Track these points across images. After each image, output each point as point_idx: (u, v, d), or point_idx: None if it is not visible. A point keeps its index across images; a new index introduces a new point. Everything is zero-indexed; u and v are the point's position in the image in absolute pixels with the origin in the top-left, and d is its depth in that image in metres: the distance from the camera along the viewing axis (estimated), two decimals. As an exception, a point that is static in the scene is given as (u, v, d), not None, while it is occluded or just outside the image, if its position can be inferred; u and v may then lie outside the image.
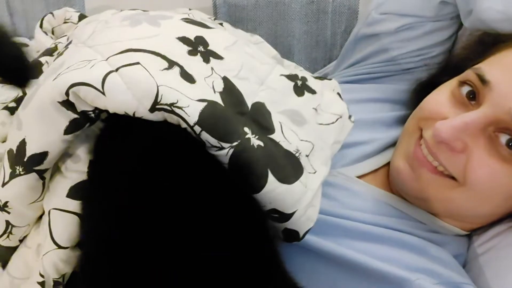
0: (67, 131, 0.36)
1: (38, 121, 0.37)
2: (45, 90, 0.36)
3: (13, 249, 0.45)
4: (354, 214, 0.50)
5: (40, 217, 0.44)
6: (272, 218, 0.39)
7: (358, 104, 0.64)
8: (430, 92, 0.56)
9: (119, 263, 0.34)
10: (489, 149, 0.47)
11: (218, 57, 0.41)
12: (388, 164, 0.57)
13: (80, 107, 0.36)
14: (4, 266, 0.46)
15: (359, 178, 0.56)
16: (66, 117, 0.36)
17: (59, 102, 0.35)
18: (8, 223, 0.42)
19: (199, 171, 0.34)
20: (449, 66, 0.63)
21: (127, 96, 0.33)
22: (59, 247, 0.40)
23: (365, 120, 0.61)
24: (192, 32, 0.43)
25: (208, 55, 0.41)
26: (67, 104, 0.35)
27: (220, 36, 0.44)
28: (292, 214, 0.38)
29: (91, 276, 0.36)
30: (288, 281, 0.36)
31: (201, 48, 0.41)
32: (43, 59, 0.51)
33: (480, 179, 0.47)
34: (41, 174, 0.39)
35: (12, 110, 0.57)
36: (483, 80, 0.48)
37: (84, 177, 0.39)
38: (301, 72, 0.50)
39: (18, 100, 0.57)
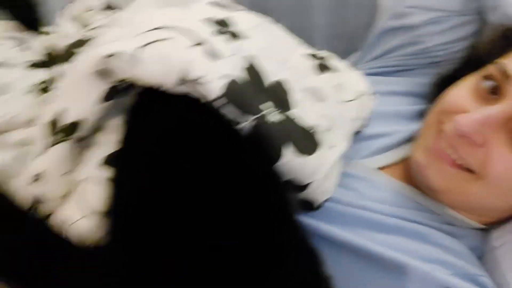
0: (102, 100, 0.39)
1: (76, 90, 0.39)
2: (82, 61, 0.38)
3: None
4: (372, 204, 0.51)
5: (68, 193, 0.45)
6: (289, 188, 0.41)
7: (381, 97, 0.64)
8: (451, 86, 0.56)
9: (137, 245, 0.35)
10: (509, 144, 0.47)
11: (243, 36, 0.43)
12: (408, 157, 0.57)
13: (114, 77, 0.38)
14: None
15: (379, 169, 0.57)
16: (101, 86, 0.38)
17: (95, 72, 0.37)
18: (36, 198, 0.44)
19: (219, 145, 0.36)
20: (472, 61, 0.63)
21: (157, 69, 0.35)
22: (89, 215, 0.42)
23: (386, 112, 0.61)
24: (218, 13, 0.45)
25: (233, 35, 0.43)
26: (102, 74, 0.38)
27: (244, 18, 0.46)
28: (307, 185, 0.40)
29: (112, 247, 0.38)
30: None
31: (226, 28, 0.43)
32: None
33: (499, 173, 0.47)
34: (77, 142, 0.41)
35: (40, 92, 0.59)
36: (506, 75, 0.48)
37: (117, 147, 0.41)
38: (323, 53, 0.51)
39: (45, 83, 0.59)
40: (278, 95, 0.41)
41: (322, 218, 0.49)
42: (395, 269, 0.46)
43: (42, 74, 0.58)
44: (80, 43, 0.53)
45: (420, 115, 0.61)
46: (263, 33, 0.46)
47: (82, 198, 0.42)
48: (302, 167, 0.39)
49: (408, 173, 0.56)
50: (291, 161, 0.39)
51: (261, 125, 0.37)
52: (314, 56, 0.49)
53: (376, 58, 0.72)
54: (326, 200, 0.45)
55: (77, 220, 0.41)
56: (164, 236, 0.34)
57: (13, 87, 0.60)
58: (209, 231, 0.34)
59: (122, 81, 0.38)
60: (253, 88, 0.39)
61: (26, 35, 0.69)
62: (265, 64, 0.42)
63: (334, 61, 0.50)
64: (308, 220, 0.47)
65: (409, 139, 0.59)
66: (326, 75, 0.48)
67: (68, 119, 0.40)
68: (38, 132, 0.43)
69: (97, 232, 0.41)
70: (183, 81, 0.36)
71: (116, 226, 0.37)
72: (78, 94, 0.39)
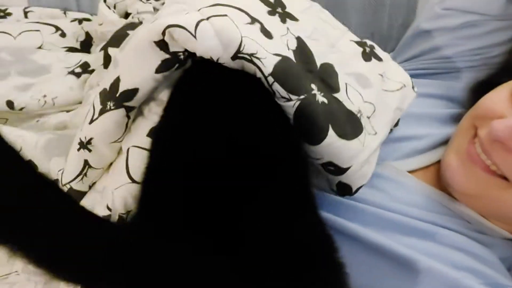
0: (158, 70, 0.40)
1: (134, 60, 0.41)
2: (143, 31, 0.40)
3: (82, 195, 0.48)
4: (402, 208, 0.51)
5: (110, 165, 0.48)
6: (328, 171, 0.42)
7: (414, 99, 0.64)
8: (488, 92, 0.56)
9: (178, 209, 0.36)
10: None
11: (293, 18, 0.45)
12: (439, 161, 0.57)
13: (172, 48, 0.39)
14: None
15: (410, 173, 0.56)
16: (159, 56, 0.39)
17: (154, 42, 0.39)
18: (86, 162, 0.46)
19: (266, 116, 0.38)
20: (510, 66, 0.62)
21: (215, 42, 0.36)
22: (133, 181, 0.43)
23: (419, 114, 0.61)
24: None
25: (285, 16, 0.44)
26: (161, 44, 0.39)
27: (296, 1, 0.48)
28: (347, 169, 0.41)
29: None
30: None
31: (279, 10, 0.44)
32: (130, 32, 0.54)
33: None
34: (128, 111, 0.43)
35: (78, 75, 0.59)
36: None
37: None
38: (368, 41, 0.53)
39: (83, 65, 0.60)
40: (326, 77, 0.42)
41: (351, 217, 0.49)
42: (425, 275, 0.45)
43: (80, 57, 0.59)
44: (133, 26, 0.55)
45: (454, 119, 0.61)
46: (312, 16, 0.47)
47: (124, 167, 0.43)
48: (343, 150, 0.40)
49: (439, 177, 0.55)
50: (334, 143, 0.39)
51: (308, 105, 0.38)
52: (359, 43, 0.50)
53: (409, 59, 0.72)
54: (360, 187, 0.45)
55: (120, 186, 0.43)
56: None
57: (54, 68, 0.62)
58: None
59: (180, 53, 0.40)
60: (302, 68, 0.40)
61: (64, 22, 0.70)
62: (313, 46, 0.43)
63: (378, 50, 0.51)
64: (336, 218, 0.48)
65: (442, 143, 0.58)
66: (371, 63, 0.49)
67: (122, 87, 0.42)
68: (91, 99, 0.44)
69: (135, 201, 0.43)
70: (238, 55, 0.37)
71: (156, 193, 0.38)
72: (135, 63, 0.41)
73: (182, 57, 0.40)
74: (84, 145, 0.45)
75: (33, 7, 0.75)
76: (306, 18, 0.46)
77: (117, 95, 0.42)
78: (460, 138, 0.53)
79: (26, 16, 0.74)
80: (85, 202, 0.48)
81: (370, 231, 0.48)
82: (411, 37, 0.72)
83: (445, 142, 0.58)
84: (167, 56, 0.39)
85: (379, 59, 0.50)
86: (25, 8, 0.74)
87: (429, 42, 0.69)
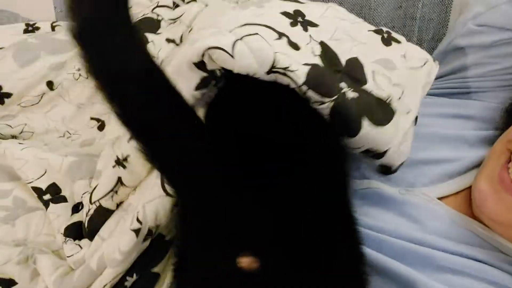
0: (197, 87, 0.44)
1: (174, 80, 0.43)
2: (183, 53, 0.43)
3: (109, 214, 0.50)
4: (436, 241, 0.49)
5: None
6: (369, 156, 0.45)
7: (442, 119, 0.62)
8: None
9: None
10: None
11: (314, 25, 0.47)
12: (470, 187, 0.54)
13: (210, 67, 0.42)
14: (91, 237, 0.49)
15: (440, 199, 0.54)
16: (198, 75, 0.43)
17: (194, 63, 0.42)
18: (119, 180, 0.48)
19: (306, 120, 0.41)
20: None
21: (251, 61, 0.40)
22: (167, 194, 0.45)
23: (450, 136, 0.59)
24: (291, 7, 0.48)
25: (306, 24, 0.47)
26: (200, 65, 0.42)
27: (314, 7, 0.50)
28: (386, 152, 0.44)
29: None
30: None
31: (299, 19, 0.47)
32: (149, 37, 0.56)
33: None
34: None
35: None
36: None
37: None
38: (384, 28, 0.54)
39: None
40: (353, 72, 0.45)
41: (383, 251, 0.48)
42: None
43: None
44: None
45: (485, 141, 0.58)
46: (331, 18, 0.50)
47: (159, 181, 0.45)
48: (379, 136, 0.43)
49: (470, 204, 0.52)
50: (369, 132, 0.42)
51: (340, 103, 0.41)
52: (377, 31, 0.52)
53: (440, 77, 0.69)
54: (401, 164, 0.47)
55: (153, 200, 0.45)
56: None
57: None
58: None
59: (216, 70, 0.43)
60: (330, 71, 0.43)
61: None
62: (337, 46, 0.46)
63: (395, 34, 0.53)
64: (369, 252, 0.47)
65: (472, 167, 0.55)
66: (391, 47, 0.51)
67: None
68: None
69: (165, 216, 0.46)
70: (273, 70, 0.40)
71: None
72: (175, 83, 0.43)
73: (219, 74, 0.44)
74: (120, 162, 0.47)
75: (60, 22, 0.77)
76: (325, 21, 0.48)
77: None
78: (493, 163, 0.50)
79: (53, 30, 0.76)
80: (111, 221, 0.49)
81: (402, 264, 0.46)
82: (443, 53, 0.70)
83: (475, 166, 0.55)
84: (205, 74, 0.43)
85: (398, 42, 0.52)
86: (53, 22, 0.76)
87: (461, 59, 0.67)
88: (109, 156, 0.50)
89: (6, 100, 0.62)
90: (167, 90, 0.39)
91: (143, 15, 0.61)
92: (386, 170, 0.48)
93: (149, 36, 0.56)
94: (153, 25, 0.58)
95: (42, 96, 0.63)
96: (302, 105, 0.41)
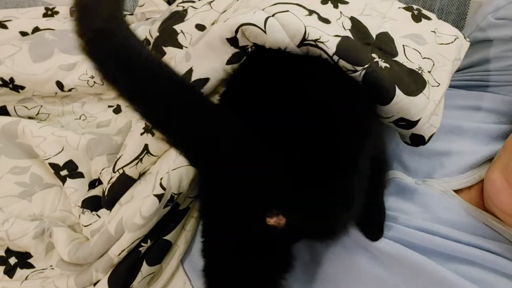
0: (229, 62, 0.46)
1: (207, 53, 0.47)
2: (216, 29, 0.45)
3: (131, 182, 0.50)
4: (449, 231, 0.49)
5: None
6: (400, 126, 0.46)
7: (462, 111, 0.61)
8: None
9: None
10: None
11: (344, 2, 0.49)
12: (483, 180, 0.54)
13: (242, 43, 0.44)
14: (110, 206, 0.49)
15: (455, 191, 0.54)
16: (230, 50, 0.45)
17: (227, 38, 0.44)
18: (145, 147, 0.49)
19: (339, 84, 0.42)
20: None
21: (282, 34, 0.42)
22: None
23: (468, 128, 0.58)
24: None
25: (336, 2, 0.48)
26: (233, 40, 0.45)
27: None
28: (417, 121, 0.45)
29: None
30: None
31: None
32: (177, 28, 0.57)
33: None
34: None
35: None
36: None
37: None
38: (414, 5, 0.55)
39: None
40: (383, 45, 0.46)
41: (395, 239, 0.48)
42: None
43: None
44: (178, 15, 0.59)
45: (504, 134, 0.57)
46: None
47: None
48: (411, 105, 0.44)
49: (483, 197, 0.52)
50: (402, 101, 0.43)
51: (373, 71, 0.42)
52: (407, 8, 0.53)
53: (459, 70, 0.69)
54: (432, 135, 0.48)
55: (178, 168, 0.47)
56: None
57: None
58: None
59: (247, 46, 0.45)
60: (361, 43, 0.44)
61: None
62: (367, 22, 0.47)
63: (425, 11, 0.54)
64: (383, 240, 0.48)
65: (487, 160, 0.55)
66: (422, 23, 0.52)
67: (195, 76, 0.47)
68: None
69: (189, 184, 0.48)
70: (304, 42, 0.41)
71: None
72: (207, 57, 0.47)
73: (249, 50, 0.45)
74: (149, 128, 0.49)
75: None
76: None
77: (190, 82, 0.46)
78: (507, 155, 0.50)
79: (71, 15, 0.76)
80: (133, 189, 0.50)
81: (412, 251, 0.47)
82: None
83: (489, 159, 0.55)
84: (237, 50, 0.45)
85: (428, 19, 0.53)
86: (71, 7, 0.76)
87: (481, 53, 0.66)
88: (135, 127, 0.51)
89: (20, 90, 0.62)
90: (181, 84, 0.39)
91: (170, 11, 0.62)
92: (418, 141, 0.48)
93: (177, 27, 0.57)
94: (181, 16, 0.58)
95: (56, 93, 0.64)
96: (335, 72, 0.42)
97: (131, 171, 0.50)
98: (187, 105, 0.36)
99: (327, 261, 0.51)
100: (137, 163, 0.49)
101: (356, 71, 0.41)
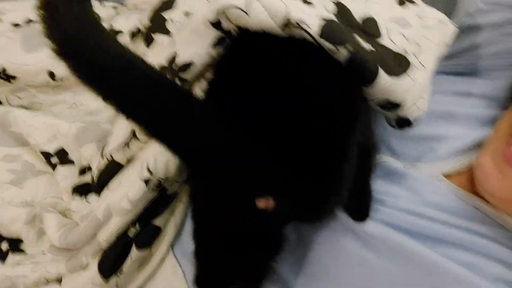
0: (213, 45, 0.46)
1: (190, 37, 0.47)
2: (200, 13, 0.45)
3: (119, 168, 0.51)
4: (438, 214, 0.49)
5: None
6: (385, 108, 0.46)
7: (453, 97, 0.62)
8: None
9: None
10: None
11: None
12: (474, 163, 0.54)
13: (225, 26, 0.45)
14: (99, 191, 0.50)
15: (445, 176, 0.54)
16: (213, 33, 0.46)
17: (210, 22, 0.45)
18: (133, 133, 0.49)
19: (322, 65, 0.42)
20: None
21: (264, 15, 0.41)
22: None
23: (458, 114, 0.59)
24: None
25: None
26: (216, 24, 0.45)
27: None
28: (402, 103, 0.45)
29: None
30: None
31: None
32: (166, 15, 0.57)
33: None
34: (182, 81, 0.47)
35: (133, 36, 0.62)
36: None
37: None
38: None
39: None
40: (367, 28, 0.46)
41: (383, 222, 0.49)
42: (455, 283, 0.44)
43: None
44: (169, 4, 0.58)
45: (495, 120, 0.57)
46: None
47: None
48: (396, 86, 0.44)
49: (474, 182, 0.53)
50: (386, 82, 0.43)
51: (356, 53, 0.42)
52: None
53: (449, 57, 0.69)
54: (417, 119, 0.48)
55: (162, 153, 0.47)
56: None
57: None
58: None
59: (231, 30, 0.45)
60: (345, 25, 0.44)
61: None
62: (351, 5, 0.47)
63: None
64: (370, 223, 0.48)
65: (479, 145, 0.56)
66: (407, 6, 0.52)
67: (179, 61, 0.47)
68: None
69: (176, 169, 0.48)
70: (287, 24, 0.41)
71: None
72: (192, 41, 0.47)
73: (234, 33, 0.45)
74: None
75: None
76: None
77: (173, 67, 0.47)
78: (497, 140, 0.51)
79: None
80: (121, 176, 0.51)
81: (401, 235, 0.47)
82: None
83: (480, 144, 0.55)
84: (221, 33, 0.45)
85: (413, 2, 0.53)
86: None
87: (472, 38, 0.66)
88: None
89: (12, 80, 0.63)
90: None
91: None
92: (404, 124, 0.49)
93: (165, 14, 0.56)
94: (169, 3, 0.59)
95: (48, 82, 0.65)
96: (320, 54, 0.42)
97: (118, 157, 0.50)
98: (166, 100, 0.37)
99: (315, 244, 0.51)
100: (124, 148, 0.50)
101: (340, 52, 0.42)
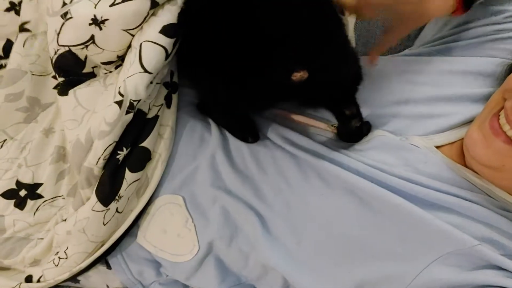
0: None
1: None
2: None
3: (77, 59, 0.54)
4: (429, 182, 0.53)
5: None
6: None
7: (450, 76, 0.63)
8: None
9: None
10: None
11: None
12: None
13: None
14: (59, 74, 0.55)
15: (437, 148, 0.58)
16: None
17: None
18: (92, 38, 0.50)
19: None
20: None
21: None
22: (145, 71, 0.50)
23: (452, 94, 0.61)
24: None
25: None
26: None
27: None
28: None
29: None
30: None
31: None
32: None
33: None
34: (153, 5, 0.49)
35: None
36: None
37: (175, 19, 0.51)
38: None
39: None
40: None
41: (378, 184, 0.53)
42: (441, 238, 0.49)
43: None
44: None
45: (487, 98, 0.59)
46: None
47: (137, 59, 0.50)
48: None
49: (464, 155, 0.56)
50: None
51: None
52: None
53: (453, 27, 0.69)
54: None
55: (132, 75, 0.50)
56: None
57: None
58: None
59: None
60: None
61: None
62: None
63: None
64: (365, 182, 0.53)
65: (470, 121, 0.59)
66: None
67: None
68: None
69: (145, 91, 0.50)
70: None
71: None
72: None
73: None
74: (98, 22, 0.49)
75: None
76: None
77: None
78: (486, 112, 0.54)
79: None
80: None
81: (392, 194, 0.52)
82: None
83: (473, 119, 0.58)
84: None
85: None
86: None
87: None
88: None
89: None
90: None
91: None
92: None
93: None
94: None
95: None
96: None
97: (77, 51, 0.52)
98: None
99: (312, 198, 0.56)
100: (83, 49, 0.52)
101: None
